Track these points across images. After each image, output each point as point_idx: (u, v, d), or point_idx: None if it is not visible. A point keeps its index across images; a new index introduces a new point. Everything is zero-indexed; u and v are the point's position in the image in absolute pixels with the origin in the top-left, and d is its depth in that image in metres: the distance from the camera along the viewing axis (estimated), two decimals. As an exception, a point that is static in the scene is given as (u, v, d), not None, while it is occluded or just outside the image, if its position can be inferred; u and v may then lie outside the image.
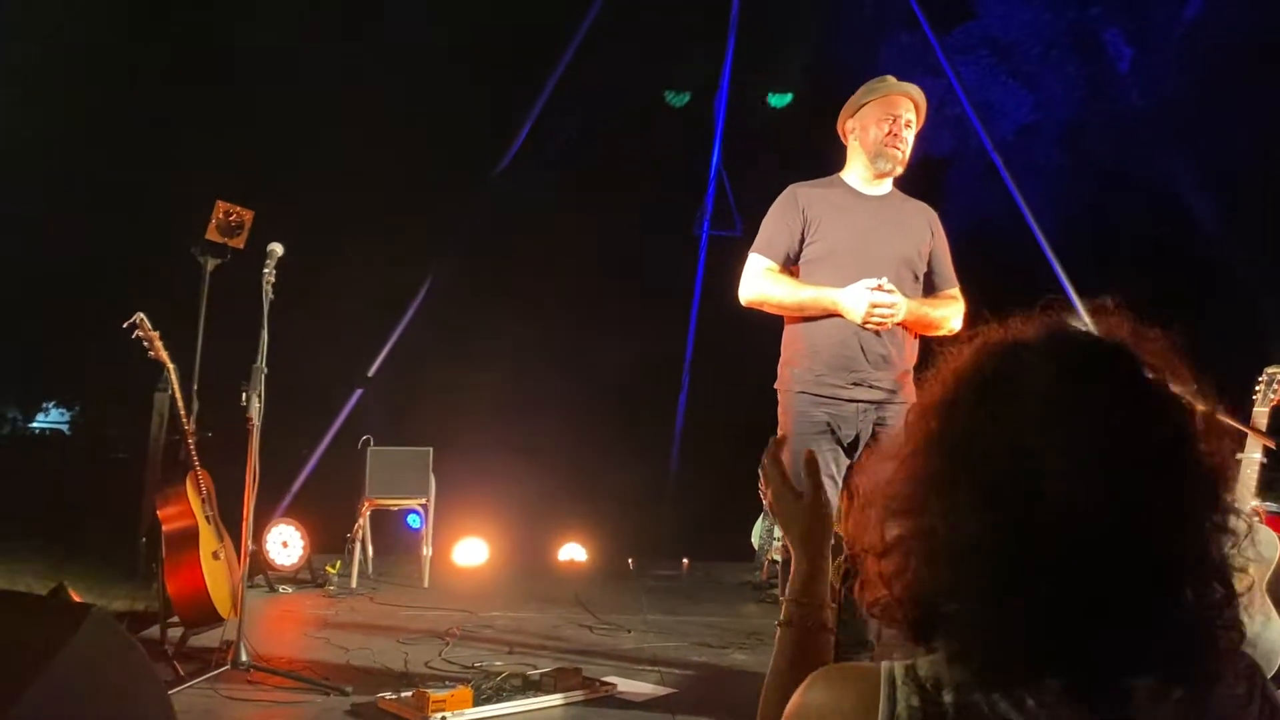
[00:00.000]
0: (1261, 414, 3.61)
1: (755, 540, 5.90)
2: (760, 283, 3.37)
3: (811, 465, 1.35)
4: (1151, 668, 0.94)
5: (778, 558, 5.67)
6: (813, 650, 1.31)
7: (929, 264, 3.40)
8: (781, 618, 1.33)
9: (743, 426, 7.51)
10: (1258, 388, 3.71)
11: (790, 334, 3.40)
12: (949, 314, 3.38)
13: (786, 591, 1.36)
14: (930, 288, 3.41)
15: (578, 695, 3.60)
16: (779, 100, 8.50)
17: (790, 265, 3.40)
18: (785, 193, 3.45)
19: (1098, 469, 0.92)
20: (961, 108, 8.12)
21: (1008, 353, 1.02)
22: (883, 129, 3.33)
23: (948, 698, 0.95)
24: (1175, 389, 1.00)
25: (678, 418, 8.53)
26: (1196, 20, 9.83)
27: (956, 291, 3.43)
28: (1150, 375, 1.00)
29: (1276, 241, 8.24)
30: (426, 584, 5.71)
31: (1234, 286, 8.56)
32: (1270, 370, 3.67)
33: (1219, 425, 1.00)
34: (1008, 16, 10.28)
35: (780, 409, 3.40)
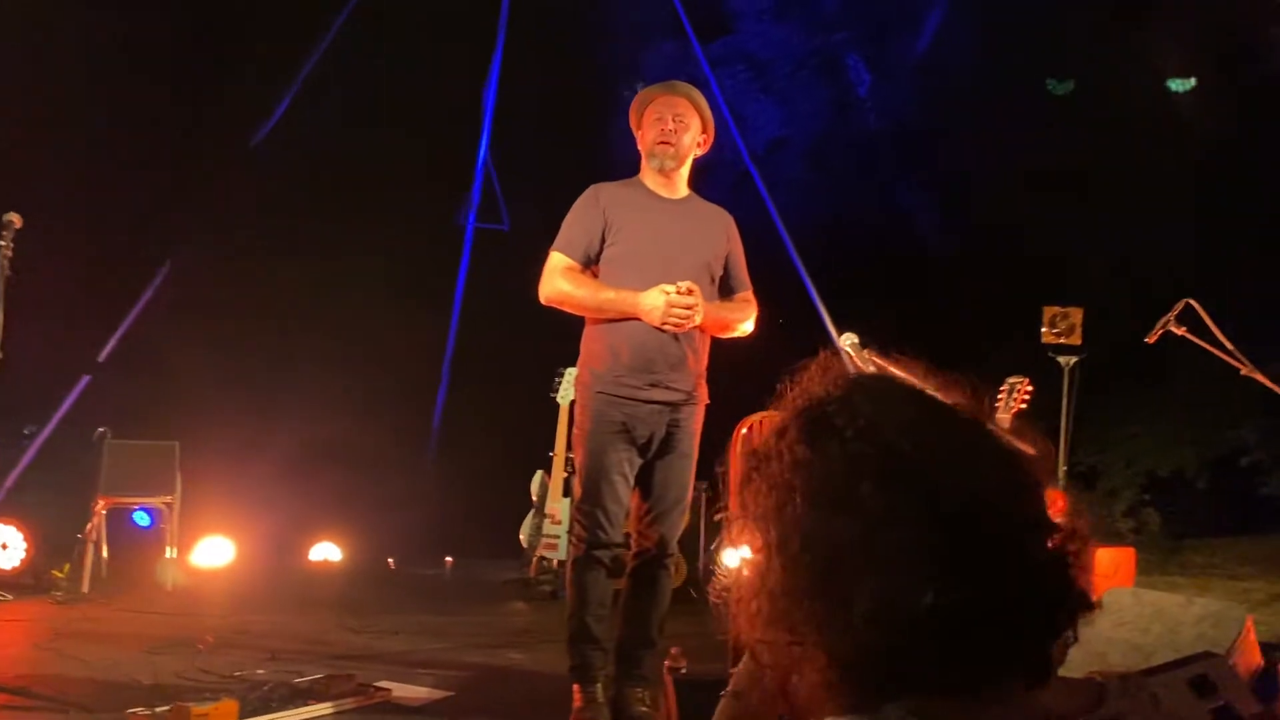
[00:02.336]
0: (1004, 420, 3.96)
1: (523, 537, 5.87)
2: (560, 282, 3.35)
3: None
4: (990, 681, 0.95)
5: (547, 554, 5.67)
6: None
7: (725, 268, 3.49)
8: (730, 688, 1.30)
9: (505, 422, 7.53)
10: (999, 397, 4.06)
11: (590, 334, 3.41)
12: (743, 317, 3.49)
13: (742, 664, 1.31)
14: (726, 291, 3.51)
15: (351, 702, 3.45)
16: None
17: (591, 265, 3.40)
18: (586, 192, 3.45)
19: (914, 492, 0.93)
20: (719, 118, 8.43)
21: (817, 405, 1.01)
22: (656, 130, 3.40)
23: None
24: (970, 412, 1.02)
25: (436, 412, 8.37)
26: (928, 52, 10.68)
27: (750, 295, 3.55)
28: (942, 403, 1.02)
29: (999, 255, 9.09)
30: (170, 587, 5.30)
31: (959, 296, 9.33)
32: (1011, 380, 4.03)
33: (1033, 451, 1.02)
34: (763, 34, 10.77)
35: (578, 407, 3.42)
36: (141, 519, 5.78)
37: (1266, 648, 3.59)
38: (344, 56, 7.29)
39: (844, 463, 0.96)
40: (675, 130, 3.38)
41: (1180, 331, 3.78)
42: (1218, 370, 3.85)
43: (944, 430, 1.00)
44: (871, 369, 3.32)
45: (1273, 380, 3.78)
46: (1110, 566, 4.64)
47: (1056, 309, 5.47)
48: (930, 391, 1.04)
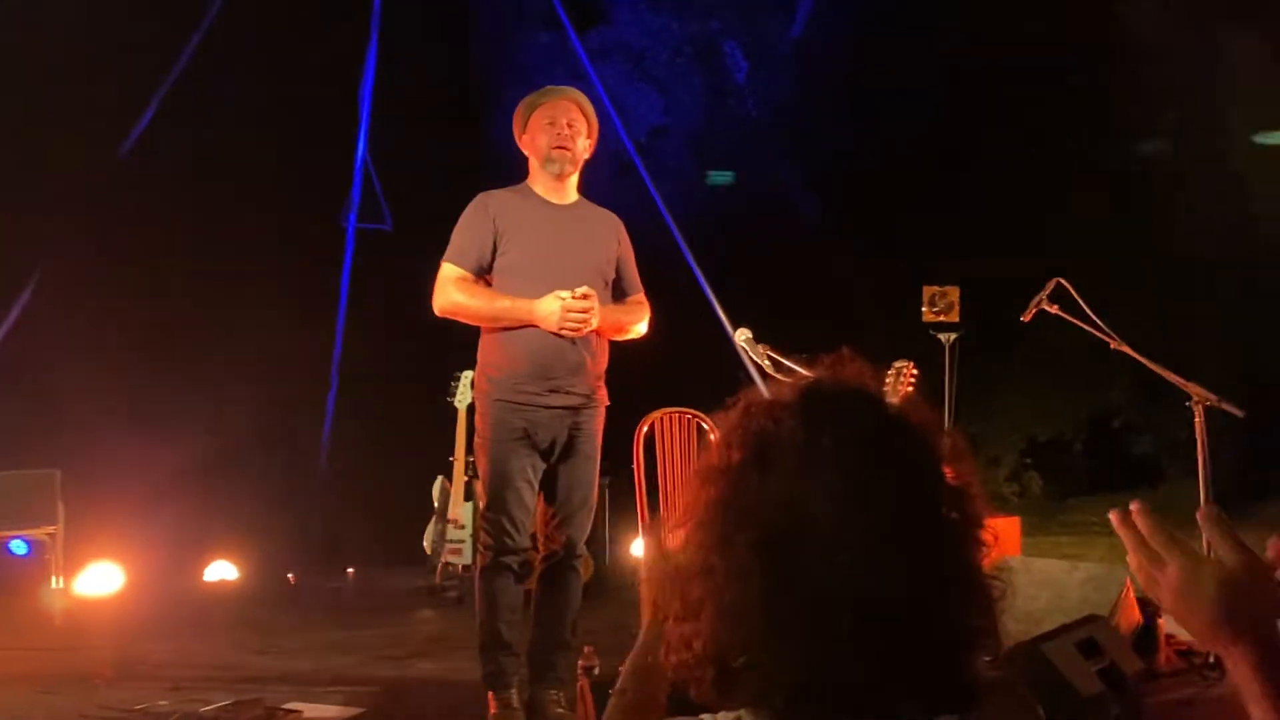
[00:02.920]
0: (894, 402, 4.08)
1: (427, 544, 5.81)
2: (454, 293, 3.34)
3: None
4: (916, 696, 0.99)
5: (452, 560, 5.64)
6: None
7: (617, 271, 3.52)
8: (617, 686, 1.32)
9: (398, 428, 7.43)
10: (887, 380, 4.18)
11: (487, 343, 3.41)
12: (637, 319, 3.54)
13: (628, 660, 1.33)
14: (618, 294, 3.54)
15: (262, 728, 3.40)
16: None
17: (484, 275, 3.39)
18: (475, 201, 3.44)
19: (852, 511, 0.98)
20: (601, 108, 8.44)
21: (766, 413, 1.06)
22: (549, 135, 3.41)
23: None
24: (914, 418, 1.07)
25: (326, 419, 8.20)
26: (802, 38, 10.88)
27: (642, 297, 3.59)
28: (891, 412, 1.07)
29: (870, 236, 9.34)
30: (58, 620, 5.09)
31: (832, 279, 9.55)
32: (897, 364, 4.15)
33: (959, 447, 1.08)
34: (639, 23, 10.82)
35: (478, 415, 3.42)
36: (18, 547, 5.52)
37: (1144, 604, 3.81)
38: (213, 57, 7.05)
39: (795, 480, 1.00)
40: (570, 135, 3.40)
41: (1053, 309, 3.96)
42: (1089, 340, 4.04)
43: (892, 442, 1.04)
44: (765, 363, 3.40)
45: (1135, 348, 3.98)
46: (997, 535, 4.83)
47: (935, 288, 5.64)
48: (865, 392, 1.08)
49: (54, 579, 5.24)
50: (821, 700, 0.98)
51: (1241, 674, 0.93)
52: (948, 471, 1.05)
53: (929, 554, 1.00)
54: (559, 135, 3.39)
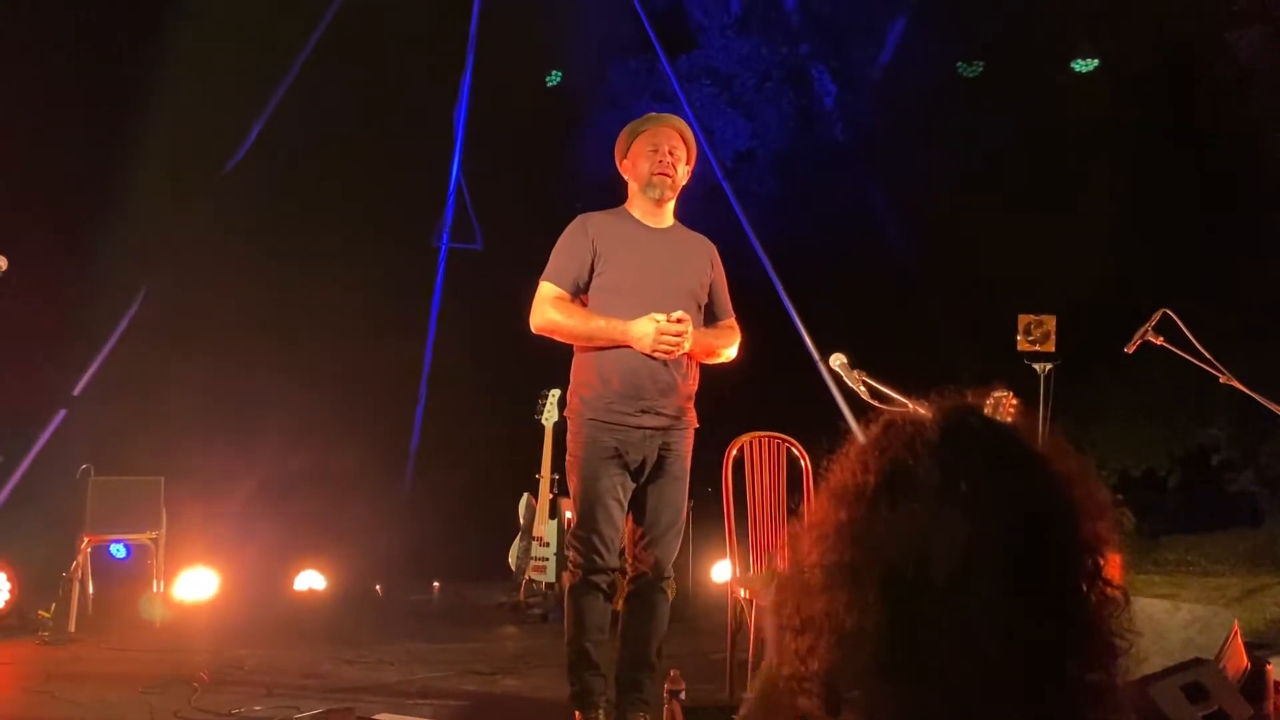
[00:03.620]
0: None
1: (512, 560, 5.86)
2: (551, 311, 3.39)
3: None
4: None
5: (536, 577, 5.68)
6: None
7: (709, 295, 3.54)
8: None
9: (485, 444, 7.52)
10: (985, 408, 4.11)
11: (580, 362, 3.45)
12: (729, 343, 3.56)
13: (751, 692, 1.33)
14: (710, 318, 3.57)
15: (353, 737, 3.46)
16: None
17: (580, 295, 3.44)
18: (575, 222, 3.49)
19: (984, 560, 0.96)
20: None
21: (906, 444, 1.04)
22: (651, 161, 3.45)
23: None
24: (1058, 468, 1.04)
25: (414, 434, 8.33)
26: (891, 64, 10.80)
27: (733, 322, 3.61)
28: (1033, 461, 1.04)
29: (960, 269, 9.20)
30: (158, 623, 5.25)
31: (922, 307, 9.43)
32: (996, 394, 4.08)
33: (1100, 502, 1.05)
34: (727, 48, 10.85)
35: (570, 434, 3.45)
36: (118, 551, 5.71)
37: (1250, 648, 3.67)
38: (315, 77, 7.26)
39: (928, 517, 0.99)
40: (672, 162, 3.45)
41: (1159, 341, 3.86)
42: (1188, 371, 3.93)
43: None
44: (861, 389, 3.37)
45: (1244, 381, 3.86)
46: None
47: (1031, 317, 5.53)
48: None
49: (155, 583, 5.40)
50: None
51: None
52: (1086, 528, 1.02)
53: (1054, 614, 0.98)
54: (661, 161, 3.44)
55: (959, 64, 9.59)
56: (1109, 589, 1.02)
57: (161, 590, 5.42)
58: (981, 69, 9.41)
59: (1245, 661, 3.51)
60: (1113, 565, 1.03)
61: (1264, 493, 7.74)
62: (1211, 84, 8.17)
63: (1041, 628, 0.97)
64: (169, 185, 6.99)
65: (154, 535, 5.41)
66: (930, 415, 1.08)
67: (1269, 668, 3.62)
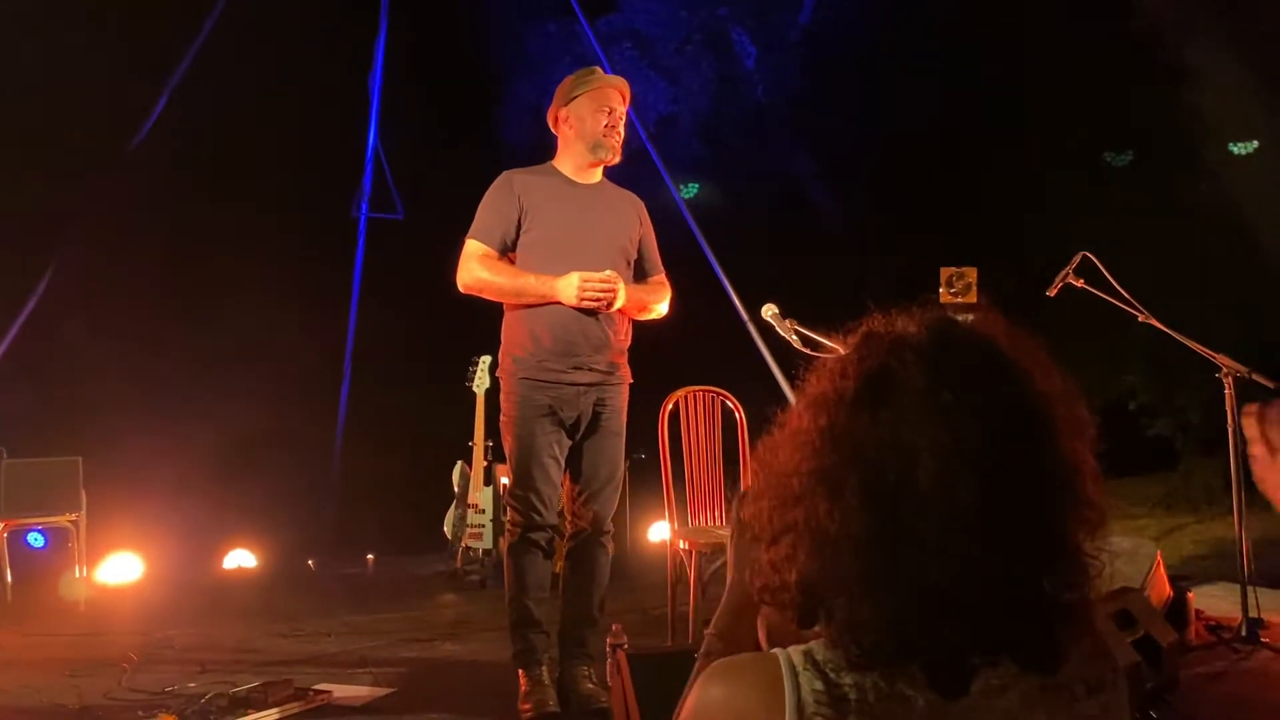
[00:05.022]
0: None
1: (448, 528, 5.81)
2: (478, 269, 3.34)
3: None
4: (1007, 653, 0.98)
5: (472, 544, 5.64)
6: None
7: (639, 251, 3.52)
8: (702, 650, 1.26)
9: (413, 415, 7.43)
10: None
11: (510, 321, 3.41)
12: (659, 298, 3.54)
13: (712, 624, 1.29)
14: (640, 274, 3.54)
15: (293, 707, 3.40)
16: None
17: (508, 253, 3.39)
18: (500, 179, 3.43)
19: (967, 468, 0.96)
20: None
21: (890, 350, 1.03)
22: (600, 120, 3.40)
23: (848, 679, 0.97)
24: (1041, 386, 1.04)
25: (340, 407, 8.20)
26: (810, 25, 10.85)
27: (664, 278, 3.59)
28: (1019, 374, 1.03)
29: (884, 219, 9.32)
30: (82, 606, 5.10)
31: (845, 263, 9.53)
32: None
33: (1082, 421, 1.05)
34: (647, 10, 10.79)
35: (503, 394, 3.42)
36: (36, 540, 5.54)
37: (1174, 578, 3.80)
38: (224, 46, 7.05)
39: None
40: (616, 123, 3.41)
41: (1079, 283, 3.94)
42: (1104, 318, 4.01)
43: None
44: (793, 337, 3.39)
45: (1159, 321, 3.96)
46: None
47: (952, 269, 5.61)
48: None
49: (77, 567, 5.24)
50: (905, 654, 0.97)
51: None
52: (1066, 445, 1.01)
53: (1032, 527, 0.98)
54: (612, 125, 3.40)
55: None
56: (1086, 508, 1.02)
57: (84, 575, 5.26)
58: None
59: (1169, 590, 3.63)
60: (1092, 484, 1.03)
61: (1180, 437, 7.98)
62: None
63: (1019, 541, 0.97)
64: (75, 159, 6.75)
65: (73, 518, 5.25)
66: (912, 323, 1.07)
67: (1190, 596, 3.76)
